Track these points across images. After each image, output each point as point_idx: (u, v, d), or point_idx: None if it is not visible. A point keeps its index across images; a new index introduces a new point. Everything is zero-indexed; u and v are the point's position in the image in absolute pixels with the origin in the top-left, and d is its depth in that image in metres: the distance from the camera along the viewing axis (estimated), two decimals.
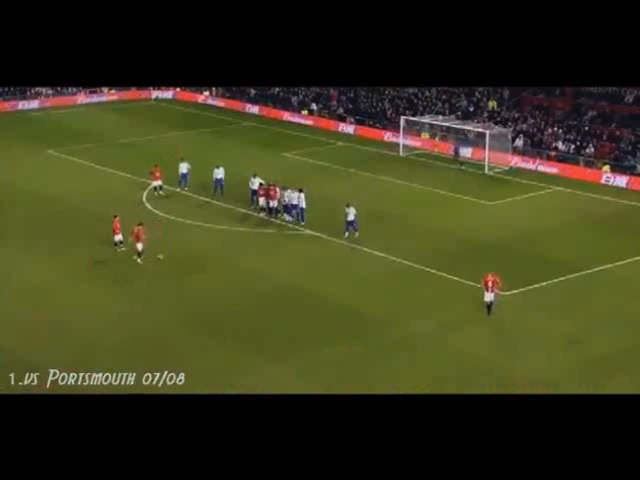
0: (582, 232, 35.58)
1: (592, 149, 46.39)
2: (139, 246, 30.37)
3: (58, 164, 45.40)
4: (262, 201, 36.35)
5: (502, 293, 27.94)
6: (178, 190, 39.71)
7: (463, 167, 45.54)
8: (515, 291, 28.51)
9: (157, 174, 38.88)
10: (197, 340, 24.94)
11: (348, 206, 33.60)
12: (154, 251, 31.10)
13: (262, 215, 36.34)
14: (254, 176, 37.58)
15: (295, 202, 35.52)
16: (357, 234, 33.36)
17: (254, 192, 36.91)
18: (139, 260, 30.40)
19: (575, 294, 28.86)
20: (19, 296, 27.81)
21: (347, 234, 33.50)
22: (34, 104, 60.24)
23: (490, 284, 26.20)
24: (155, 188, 39.06)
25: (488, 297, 26.32)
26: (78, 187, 40.51)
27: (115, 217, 31.49)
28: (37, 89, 61.61)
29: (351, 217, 33.42)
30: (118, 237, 31.07)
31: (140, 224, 30.76)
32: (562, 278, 29.84)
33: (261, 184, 36.89)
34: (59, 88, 62.02)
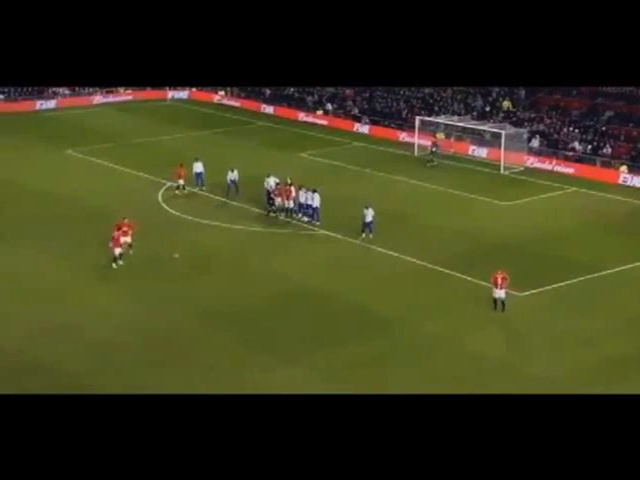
0: (599, 233, 35.37)
1: (609, 149, 46.11)
2: (117, 251, 29.89)
3: (77, 164, 45.65)
4: (278, 201, 36.42)
5: (519, 294, 27.90)
6: (195, 190, 39.83)
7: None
8: (533, 291, 28.44)
9: (182, 173, 39.13)
10: (210, 340, 24.98)
11: (367, 207, 33.60)
12: (170, 250, 31.23)
13: (276, 215, 36.38)
14: (268, 176, 37.64)
15: (310, 202, 35.58)
16: (371, 236, 33.34)
17: (269, 192, 36.88)
18: (114, 265, 29.86)
19: (592, 295, 28.69)
20: (32, 296, 27.89)
21: (364, 235, 33.50)
22: (51, 104, 60.65)
23: (500, 281, 26.47)
24: (178, 187, 39.19)
25: (497, 293, 26.64)
26: (95, 187, 40.69)
27: (124, 219, 31.30)
28: (54, 89, 62.04)
29: (369, 218, 33.43)
30: (124, 239, 30.73)
31: (119, 228, 30.46)
32: (581, 278, 29.66)
33: (277, 184, 36.94)
34: (76, 88, 62.40)
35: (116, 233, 30.22)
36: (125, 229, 30.89)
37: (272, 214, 36.15)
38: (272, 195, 36.21)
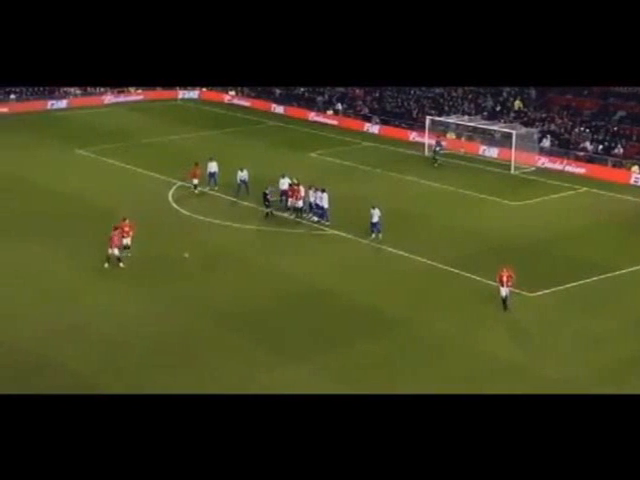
0: (611, 233, 35.21)
1: (621, 150, 45.89)
2: (116, 251, 29.64)
3: (87, 163, 45.77)
4: (290, 201, 36.44)
5: (530, 294, 27.81)
6: (207, 189, 39.85)
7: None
8: (546, 291, 28.33)
9: (197, 172, 39.19)
10: (220, 340, 24.96)
11: (373, 207, 33.56)
12: (180, 250, 31.25)
13: (287, 214, 36.41)
14: (283, 176, 37.63)
15: (319, 202, 35.58)
16: (380, 236, 33.26)
17: (265, 194, 36.72)
18: (121, 264, 29.66)
19: (604, 295, 28.54)
20: (41, 295, 27.88)
21: (373, 235, 33.46)
22: (62, 104, 60.88)
23: (505, 279, 26.48)
24: (194, 186, 39.27)
25: (504, 292, 26.66)
26: (106, 186, 40.76)
27: (124, 220, 31.14)
28: (66, 89, 62.26)
29: (375, 219, 33.39)
30: (126, 241, 30.63)
31: (116, 228, 30.30)
32: (593, 279, 29.52)
33: (290, 184, 36.97)
34: (87, 88, 62.58)
35: (112, 233, 30.05)
36: (127, 230, 30.71)
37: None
38: (268, 196, 36.05)
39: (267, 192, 36.27)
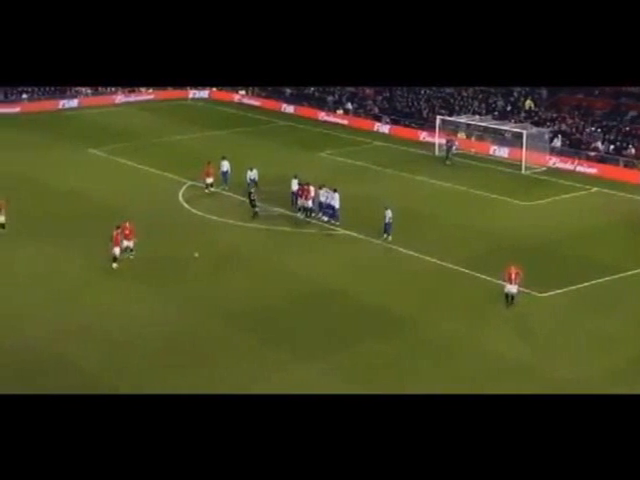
0: (622, 233, 35.07)
1: (632, 150, 45.68)
2: (116, 250, 29.68)
3: (98, 163, 45.91)
4: (300, 201, 36.49)
5: (540, 294, 27.72)
6: (219, 189, 39.90)
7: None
8: (558, 291, 28.25)
9: (210, 171, 39.27)
10: (230, 339, 25.00)
11: (386, 208, 33.55)
12: (191, 249, 31.31)
13: (299, 215, 36.43)
14: (295, 177, 37.68)
15: (330, 202, 35.59)
16: (390, 237, 33.20)
17: (250, 193, 36.65)
18: (114, 265, 29.67)
19: (615, 295, 28.43)
20: (53, 295, 27.97)
21: (385, 235, 33.44)
22: (74, 103, 61.12)
23: (513, 276, 26.53)
24: (207, 186, 39.31)
25: (510, 289, 26.68)
26: (117, 185, 40.87)
27: (125, 221, 31.03)
28: (77, 88, 62.48)
29: (387, 220, 33.37)
30: (127, 243, 30.58)
31: (118, 227, 30.31)
32: (605, 279, 29.41)
33: (300, 184, 37.00)
34: (98, 88, 62.77)
35: (114, 232, 30.03)
36: (127, 232, 30.61)
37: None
38: (252, 196, 35.98)
39: (252, 191, 36.30)
